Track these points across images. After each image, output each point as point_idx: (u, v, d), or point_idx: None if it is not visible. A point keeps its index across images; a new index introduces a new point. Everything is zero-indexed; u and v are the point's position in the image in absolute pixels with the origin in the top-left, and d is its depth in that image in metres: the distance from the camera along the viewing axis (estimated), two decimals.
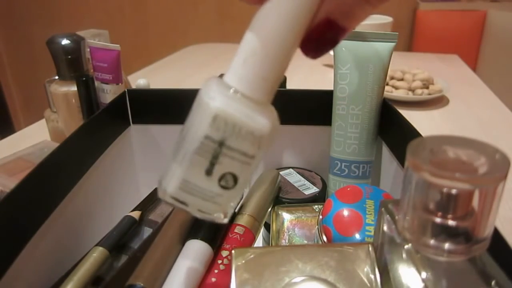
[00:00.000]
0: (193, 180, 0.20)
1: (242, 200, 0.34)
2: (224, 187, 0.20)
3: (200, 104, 0.19)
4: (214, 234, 0.29)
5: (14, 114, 2.06)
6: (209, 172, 0.19)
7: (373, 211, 0.29)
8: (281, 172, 0.41)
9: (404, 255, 0.20)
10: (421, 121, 0.71)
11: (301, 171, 0.42)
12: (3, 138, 0.65)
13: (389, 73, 0.71)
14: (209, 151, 0.19)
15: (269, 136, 0.20)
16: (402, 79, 0.79)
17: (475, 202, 0.17)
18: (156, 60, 1.12)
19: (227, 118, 0.19)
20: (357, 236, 0.28)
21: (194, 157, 0.19)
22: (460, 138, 0.18)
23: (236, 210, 0.33)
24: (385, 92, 0.39)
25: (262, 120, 0.20)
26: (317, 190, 0.39)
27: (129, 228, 0.33)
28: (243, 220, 0.32)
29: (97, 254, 0.30)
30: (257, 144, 0.20)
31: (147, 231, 0.35)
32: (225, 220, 0.21)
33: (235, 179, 0.20)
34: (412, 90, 0.77)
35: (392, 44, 0.37)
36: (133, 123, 0.43)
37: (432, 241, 0.18)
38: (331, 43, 0.21)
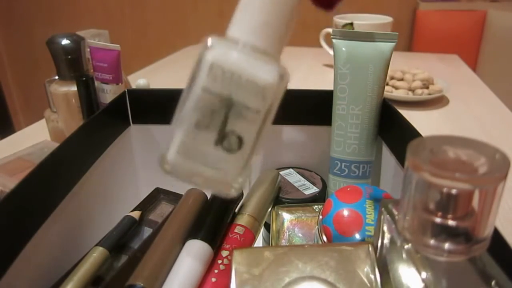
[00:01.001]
0: (192, 142, 0.17)
1: (242, 200, 0.34)
2: (228, 150, 0.17)
3: (198, 60, 0.18)
4: (214, 234, 0.29)
5: (14, 114, 2.06)
6: (209, 131, 0.17)
7: (373, 211, 0.29)
8: (281, 172, 0.41)
9: (404, 255, 0.20)
10: (421, 121, 0.71)
11: (301, 171, 0.42)
12: (3, 138, 0.65)
13: (389, 73, 0.71)
14: (208, 106, 0.17)
15: (275, 87, 0.17)
16: (402, 79, 0.79)
17: (475, 202, 0.17)
18: (156, 60, 1.12)
19: (224, 66, 0.17)
20: (357, 236, 0.28)
21: (192, 115, 0.17)
22: (460, 138, 0.18)
23: (236, 210, 0.33)
24: (385, 92, 0.39)
25: (266, 68, 0.17)
26: (317, 190, 0.39)
27: (129, 228, 0.33)
28: (243, 220, 0.32)
29: (97, 254, 0.30)
30: (261, 96, 0.17)
31: (147, 231, 0.35)
32: (233, 193, 0.19)
33: (239, 140, 0.18)
34: (412, 90, 0.77)
35: (392, 44, 0.37)
36: (133, 123, 0.43)
37: (432, 241, 0.18)
38: None
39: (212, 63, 0.17)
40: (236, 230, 0.31)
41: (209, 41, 0.18)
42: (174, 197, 0.38)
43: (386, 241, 0.22)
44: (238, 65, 0.17)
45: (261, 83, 0.17)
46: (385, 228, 0.22)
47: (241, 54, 0.17)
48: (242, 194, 0.34)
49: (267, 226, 0.37)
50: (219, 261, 0.28)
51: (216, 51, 0.17)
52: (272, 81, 0.17)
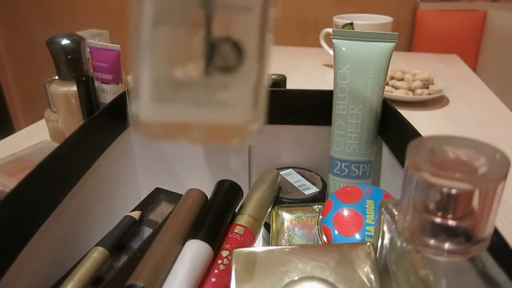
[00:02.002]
0: (170, 74, 0.11)
1: (242, 200, 0.34)
2: (225, 68, 0.11)
3: None
4: (214, 234, 0.29)
5: (14, 114, 2.06)
6: (189, 49, 0.11)
7: (373, 211, 0.29)
8: (281, 172, 0.41)
9: (404, 255, 0.20)
10: (421, 121, 0.71)
11: (301, 171, 0.42)
12: (3, 138, 0.65)
13: (389, 73, 0.71)
14: (174, 7, 0.11)
15: None
16: (402, 79, 0.79)
17: (475, 202, 0.17)
18: None
19: None
20: (357, 236, 0.28)
21: (154, 32, 0.11)
22: (460, 138, 0.18)
23: (236, 210, 0.33)
24: (385, 92, 0.39)
25: None
26: (317, 190, 0.39)
27: (129, 228, 0.33)
28: (243, 220, 0.32)
29: (97, 254, 0.30)
30: None
31: (147, 231, 0.35)
32: (252, 138, 0.12)
33: (237, 48, 0.11)
34: (412, 90, 0.77)
35: (392, 44, 0.37)
36: None
37: (432, 241, 0.18)
38: None
39: None
40: (236, 230, 0.31)
41: None
42: (174, 197, 0.38)
43: (386, 241, 0.22)
44: None
45: None
46: (385, 228, 0.22)
47: None
48: (242, 193, 0.34)
49: (267, 226, 0.37)
50: (219, 261, 0.28)
51: None
52: None
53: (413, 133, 0.30)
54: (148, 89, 0.12)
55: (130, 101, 0.11)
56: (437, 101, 0.79)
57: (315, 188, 0.39)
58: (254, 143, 0.12)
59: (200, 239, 0.28)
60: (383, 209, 0.22)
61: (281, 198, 0.37)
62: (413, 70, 0.80)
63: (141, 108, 0.12)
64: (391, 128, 0.37)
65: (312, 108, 0.41)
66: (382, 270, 0.22)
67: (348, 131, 0.38)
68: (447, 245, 0.18)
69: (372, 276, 0.22)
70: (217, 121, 0.12)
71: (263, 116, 0.13)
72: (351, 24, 0.90)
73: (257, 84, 0.12)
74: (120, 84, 0.47)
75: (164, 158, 0.43)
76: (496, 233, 0.19)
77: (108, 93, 0.47)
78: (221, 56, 0.11)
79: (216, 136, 0.12)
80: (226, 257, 0.28)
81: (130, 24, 0.12)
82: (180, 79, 0.11)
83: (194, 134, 0.12)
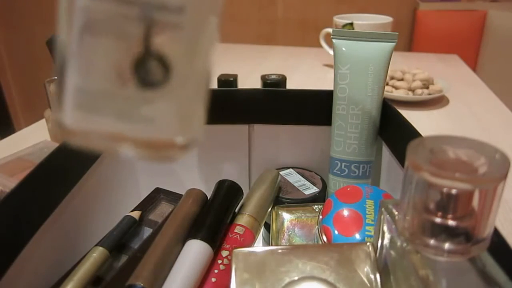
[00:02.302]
0: (95, 84, 0.11)
1: (242, 200, 0.34)
2: (150, 83, 0.11)
3: None
4: (214, 234, 0.29)
5: (14, 114, 2.06)
6: (117, 59, 0.11)
7: (373, 211, 0.29)
8: (281, 172, 0.41)
9: (404, 255, 0.20)
10: (421, 121, 0.71)
11: (301, 171, 0.42)
12: (3, 138, 0.65)
13: (389, 73, 0.71)
14: (103, 18, 0.11)
15: None
16: (402, 79, 0.79)
17: (475, 202, 0.17)
18: None
19: None
20: (357, 236, 0.28)
21: (82, 42, 0.11)
22: (460, 138, 0.18)
23: (236, 210, 0.33)
24: (385, 92, 0.39)
25: None
26: (317, 190, 0.39)
27: (129, 228, 0.33)
28: (243, 220, 0.32)
29: (97, 254, 0.30)
30: None
31: (147, 231, 0.35)
32: (178, 154, 0.12)
33: (163, 63, 0.11)
34: (412, 90, 0.77)
35: (392, 44, 0.37)
36: None
37: (432, 241, 0.18)
38: None
39: None
40: (236, 230, 0.31)
41: None
42: (174, 197, 0.38)
43: (386, 241, 0.22)
44: None
45: None
46: (385, 228, 0.22)
47: None
48: (242, 193, 0.34)
49: (267, 226, 0.37)
50: (219, 261, 0.28)
51: None
52: None
53: (413, 133, 0.30)
54: (71, 96, 0.11)
55: (53, 106, 0.11)
56: (437, 101, 0.79)
57: (315, 188, 0.39)
58: (183, 154, 0.12)
59: (200, 239, 0.28)
60: (383, 209, 0.22)
61: (281, 198, 0.37)
62: (413, 70, 0.80)
63: (64, 114, 0.12)
64: (391, 128, 0.37)
65: (312, 108, 0.41)
66: (382, 270, 0.22)
67: (348, 131, 0.38)
68: (447, 245, 0.18)
69: (372, 276, 0.22)
70: (138, 134, 0.12)
71: (196, 132, 0.13)
72: (351, 24, 0.90)
73: (185, 98, 0.12)
74: None
75: None
76: (496, 233, 0.19)
77: None
78: (147, 71, 0.11)
79: (143, 148, 0.12)
80: (226, 257, 0.28)
81: (58, 27, 0.11)
82: (104, 90, 0.11)
83: (120, 144, 0.12)
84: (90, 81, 0.11)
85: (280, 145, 0.43)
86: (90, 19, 0.11)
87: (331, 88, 0.39)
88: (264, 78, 0.55)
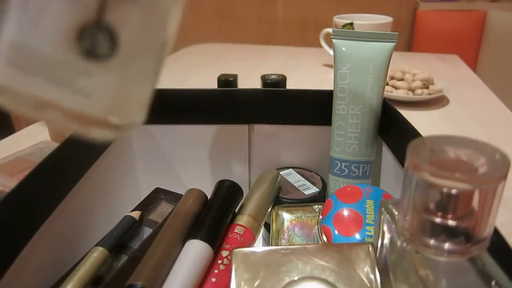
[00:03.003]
0: (35, 43, 0.10)
1: (242, 200, 0.34)
2: (91, 54, 0.11)
3: None
4: (214, 234, 0.29)
5: (14, 114, 2.06)
6: (65, 22, 0.10)
7: (373, 211, 0.29)
8: (281, 172, 0.41)
9: (404, 255, 0.20)
10: (421, 121, 0.71)
11: (301, 171, 0.42)
12: (3, 138, 0.65)
13: (389, 73, 0.71)
14: None
15: None
16: (402, 79, 0.79)
17: (475, 202, 0.17)
18: None
19: None
20: (357, 236, 0.28)
21: None
22: (460, 138, 0.18)
23: (236, 210, 0.33)
24: (385, 92, 0.39)
25: None
26: (317, 190, 0.39)
27: (129, 228, 0.33)
28: (243, 220, 0.32)
29: (97, 254, 0.30)
30: None
31: (147, 231, 0.35)
32: (110, 133, 0.12)
33: (112, 36, 0.11)
34: (412, 90, 0.77)
35: (392, 44, 0.37)
36: None
37: (432, 241, 0.18)
38: None
39: None
40: (236, 230, 0.31)
41: None
42: (174, 197, 0.38)
43: (386, 241, 0.22)
44: None
45: None
46: (385, 228, 0.22)
47: None
48: (242, 193, 0.34)
49: (267, 226, 0.37)
50: (219, 261, 0.28)
51: None
52: None
53: (413, 133, 0.30)
54: (6, 50, 0.10)
55: None
56: (437, 101, 0.79)
57: (315, 188, 0.39)
58: (115, 134, 0.12)
59: (200, 239, 0.28)
60: (383, 209, 0.22)
61: (281, 198, 0.37)
62: (413, 70, 0.80)
63: None
64: (391, 128, 0.37)
65: (312, 108, 0.41)
66: (382, 270, 0.22)
67: (348, 131, 0.38)
68: (447, 245, 0.18)
69: (372, 276, 0.22)
70: (71, 105, 0.11)
71: (135, 115, 0.12)
72: (351, 24, 0.90)
73: (129, 80, 0.11)
74: None
75: (164, 158, 0.43)
76: (496, 233, 0.19)
77: None
78: (93, 41, 0.10)
79: (72, 121, 0.11)
80: (226, 257, 0.28)
81: None
82: (44, 52, 0.10)
83: (48, 112, 0.11)
84: (31, 39, 0.10)
85: (280, 145, 0.43)
86: None
87: (331, 88, 0.39)
88: (264, 78, 0.55)
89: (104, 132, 0.12)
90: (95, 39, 0.10)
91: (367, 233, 0.28)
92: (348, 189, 0.32)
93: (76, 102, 0.11)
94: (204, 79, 0.88)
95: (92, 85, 0.11)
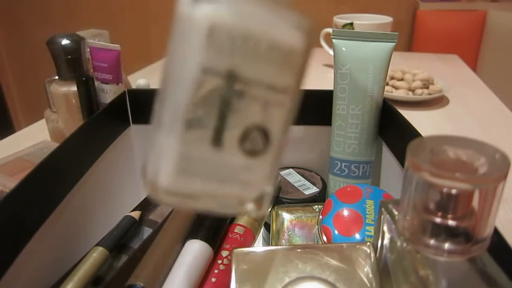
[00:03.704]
0: (198, 152, 0.12)
1: None
2: (252, 152, 0.13)
3: (178, 26, 0.12)
4: (214, 234, 0.29)
5: (14, 114, 2.06)
6: (220, 131, 0.12)
7: (373, 211, 0.29)
8: (281, 172, 0.41)
9: (404, 255, 0.20)
10: (421, 121, 0.71)
11: (301, 171, 0.42)
12: (3, 138, 0.65)
13: (389, 73, 0.71)
14: (214, 94, 0.11)
15: (305, 51, 0.12)
16: (402, 79, 0.79)
17: (475, 202, 0.17)
18: (156, 60, 1.12)
19: (233, 29, 0.11)
20: (357, 236, 0.28)
21: (191, 112, 0.12)
22: (460, 138, 0.18)
23: None
24: (385, 92, 0.39)
25: (287, 23, 0.12)
26: (317, 190, 0.39)
27: (129, 228, 0.33)
28: (243, 220, 0.32)
29: (97, 254, 0.30)
30: (290, 66, 0.12)
31: (147, 231, 0.35)
32: (263, 210, 0.14)
33: (265, 134, 0.13)
34: (412, 90, 0.77)
35: (392, 44, 0.37)
36: (133, 123, 0.43)
37: (432, 241, 0.18)
38: None
39: (211, 26, 0.11)
40: (236, 230, 0.31)
41: None
42: None
43: (386, 241, 0.22)
44: (252, 25, 0.11)
45: (289, 49, 0.12)
46: (385, 228, 0.22)
47: (249, 6, 0.11)
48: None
49: (267, 226, 0.37)
50: (219, 261, 0.28)
51: (213, 5, 0.11)
52: (302, 43, 0.12)
53: (413, 133, 0.30)
54: (172, 158, 0.12)
55: (147, 162, 0.13)
56: (437, 101, 0.79)
57: (315, 188, 0.39)
58: (267, 209, 0.13)
59: (200, 239, 0.28)
60: (383, 209, 0.22)
61: (281, 198, 0.37)
62: (413, 70, 0.80)
63: (160, 172, 0.12)
64: (391, 128, 0.37)
65: (312, 108, 0.41)
66: (382, 270, 0.22)
67: (348, 131, 0.38)
68: (447, 245, 0.18)
69: (372, 276, 0.22)
70: (235, 195, 0.13)
71: (275, 185, 0.14)
72: (351, 24, 0.90)
73: (275, 164, 0.13)
74: (120, 84, 0.47)
75: None
76: (496, 233, 0.19)
77: (108, 93, 0.47)
78: (249, 140, 0.12)
79: (230, 206, 0.13)
80: (226, 257, 0.28)
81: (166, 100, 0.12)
82: (207, 158, 0.12)
83: (210, 203, 0.13)
84: (195, 149, 0.12)
85: None
86: (200, 98, 0.12)
87: (331, 88, 0.39)
88: None
89: (257, 208, 0.14)
90: (254, 139, 0.12)
91: (367, 233, 0.28)
92: (348, 189, 0.32)
93: (237, 192, 0.13)
94: None
95: (251, 175, 0.13)
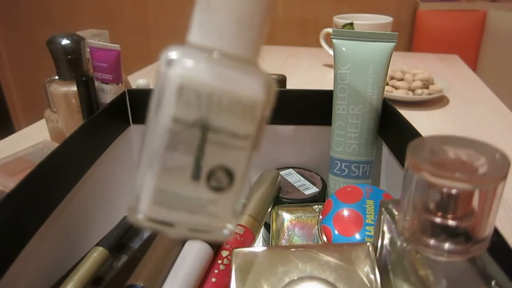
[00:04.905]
0: (172, 187, 0.15)
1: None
2: (217, 189, 0.15)
3: (159, 81, 0.14)
4: None
5: (14, 114, 2.06)
6: (188, 170, 0.14)
7: (373, 211, 0.29)
8: (281, 172, 0.41)
9: (404, 255, 0.20)
10: (421, 121, 0.71)
11: (301, 171, 0.42)
12: (3, 138, 0.65)
13: (389, 73, 0.71)
14: (185, 140, 0.14)
15: (263, 104, 0.14)
16: (402, 79, 0.79)
17: (475, 202, 0.17)
18: (156, 60, 1.12)
19: (198, 87, 0.13)
20: (357, 236, 0.28)
21: (166, 154, 0.14)
22: (460, 138, 0.18)
23: None
24: (385, 92, 0.39)
25: (250, 81, 0.14)
26: (317, 190, 0.39)
27: (129, 228, 0.33)
28: (243, 220, 0.32)
29: (97, 254, 0.30)
30: (250, 117, 0.14)
31: (147, 231, 0.35)
32: (227, 234, 0.16)
33: (229, 174, 0.15)
34: (412, 90, 0.77)
35: (392, 44, 0.37)
36: (133, 123, 0.43)
37: (432, 241, 0.18)
38: None
39: (180, 84, 0.13)
40: (236, 230, 0.31)
41: (171, 53, 0.14)
42: None
43: (386, 241, 0.22)
44: (216, 84, 0.13)
45: (248, 102, 0.14)
46: (385, 228, 0.22)
47: (215, 67, 0.13)
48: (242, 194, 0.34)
49: (267, 226, 0.37)
50: (219, 261, 0.28)
51: (183, 66, 0.13)
52: (260, 97, 0.14)
53: (413, 133, 0.30)
54: (150, 192, 0.15)
55: (131, 192, 0.16)
56: (437, 101, 0.79)
57: (315, 188, 0.39)
58: (228, 237, 0.17)
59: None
60: (383, 209, 0.22)
61: (281, 198, 0.37)
62: (413, 70, 0.80)
63: (141, 203, 0.15)
64: (391, 128, 0.37)
65: (312, 108, 0.41)
66: (382, 270, 0.22)
67: (348, 131, 0.38)
68: (447, 245, 0.18)
69: (372, 276, 0.22)
70: (201, 224, 0.16)
71: (238, 218, 0.17)
72: (351, 24, 0.90)
73: (237, 198, 0.16)
74: (120, 84, 0.47)
75: None
76: (496, 233, 0.19)
77: (108, 93, 0.47)
78: (215, 179, 0.15)
79: (198, 233, 0.16)
80: (226, 257, 0.28)
81: (142, 152, 0.15)
82: (179, 193, 0.15)
83: (179, 230, 0.15)
84: (168, 186, 0.15)
85: (280, 145, 0.43)
86: (172, 144, 0.14)
87: (331, 88, 0.39)
88: None
89: (220, 236, 0.16)
90: (218, 178, 0.15)
91: (367, 233, 0.28)
92: (348, 189, 0.32)
93: (205, 221, 0.15)
94: None
95: (217, 208, 0.15)
